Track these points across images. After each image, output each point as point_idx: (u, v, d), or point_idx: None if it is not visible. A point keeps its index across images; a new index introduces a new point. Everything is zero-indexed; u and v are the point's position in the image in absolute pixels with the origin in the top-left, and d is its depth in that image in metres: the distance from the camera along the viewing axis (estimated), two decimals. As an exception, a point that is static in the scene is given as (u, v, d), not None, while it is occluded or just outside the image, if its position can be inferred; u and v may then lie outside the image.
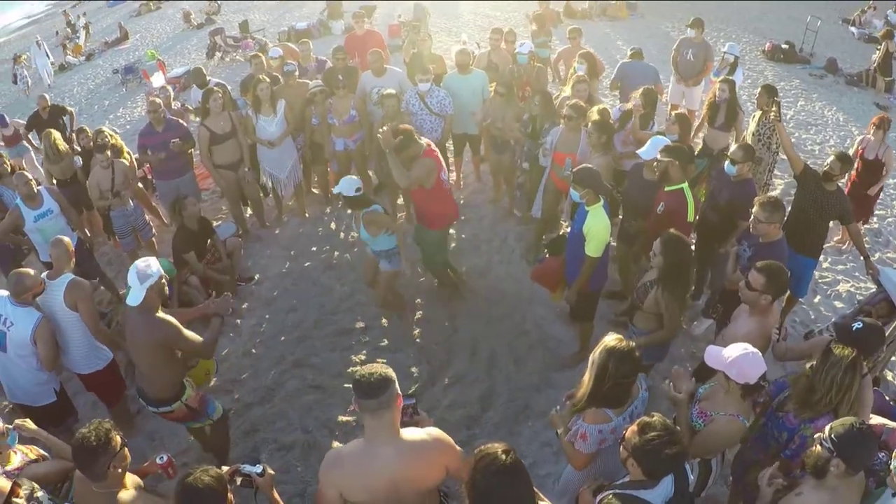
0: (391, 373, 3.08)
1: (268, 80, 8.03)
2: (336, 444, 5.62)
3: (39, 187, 6.93)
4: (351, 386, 3.09)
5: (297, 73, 8.56)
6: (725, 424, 3.65)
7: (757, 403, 4.02)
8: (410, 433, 3.20)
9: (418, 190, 6.25)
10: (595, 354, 3.51)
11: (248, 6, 24.27)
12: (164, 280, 4.57)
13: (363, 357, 6.54)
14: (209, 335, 4.83)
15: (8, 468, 3.77)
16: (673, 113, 8.18)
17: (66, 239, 5.64)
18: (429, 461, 3.18)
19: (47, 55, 19.62)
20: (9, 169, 7.63)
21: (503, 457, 2.81)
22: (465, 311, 6.90)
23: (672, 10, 19.06)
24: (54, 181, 8.09)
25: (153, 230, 8.46)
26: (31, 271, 5.16)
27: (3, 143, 10.15)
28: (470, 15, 20.35)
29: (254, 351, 6.88)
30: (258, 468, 3.35)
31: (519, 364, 6.33)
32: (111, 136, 8.18)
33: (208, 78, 9.96)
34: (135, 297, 4.44)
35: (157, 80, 15.60)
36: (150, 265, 4.51)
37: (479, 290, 7.17)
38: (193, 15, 23.71)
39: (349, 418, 5.90)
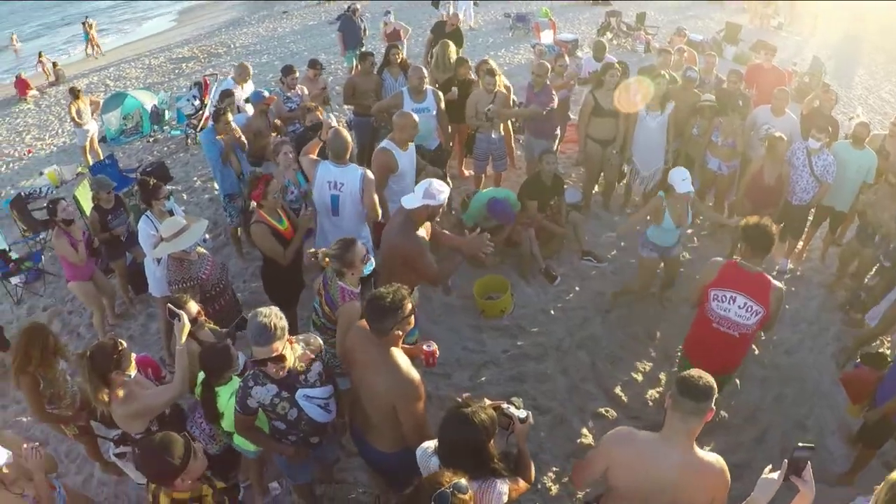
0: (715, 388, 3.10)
1: (667, 77, 8.13)
2: (585, 430, 5.80)
3: (427, 87, 7.67)
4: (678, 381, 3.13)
5: (696, 81, 8.54)
6: None
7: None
8: (702, 452, 3.20)
9: None
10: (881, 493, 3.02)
11: (645, 4, 24.37)
12: (441, 209, 4.94)
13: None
14: (446, 265, 5.11)
15: None
16: None
17: None
18: (705, 485, 3.16)
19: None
20: (398, 59, 8.60)
21: None
22: (759, 377, 6.64)
23: None
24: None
25: (506, 165, 9.07)
26: None
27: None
28: (862, 90, 18.86)
29: (552, 312, 7.19)
30: (523, 413, 3.35)
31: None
32: (499, 74, 8.80)
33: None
34: (412, 200, 4.84)
35: (546, 37, 16.24)
36: (442, 192, 4.85)
37: (781, 364, 6.84)
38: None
39: (607, 411, 6.04)
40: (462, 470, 2.89)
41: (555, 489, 5.32)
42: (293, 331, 6.52)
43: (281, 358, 3.53)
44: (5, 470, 3.77)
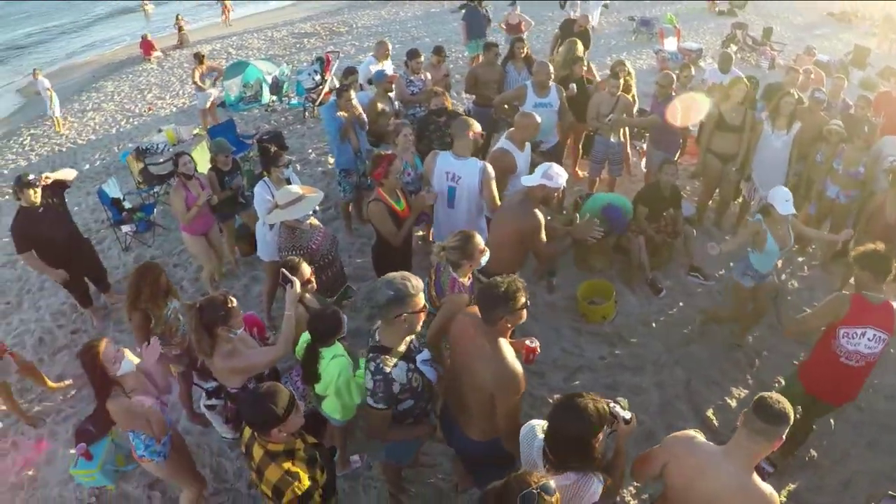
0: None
1: (797, 96, 7.82)
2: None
3: (552, 83, 7.72)
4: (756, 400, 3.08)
5: (824, 103, 8.19)
6: None
7: None
8: (759, 479, 3.09)
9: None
10: None
11: (774, 15, 23.58)
12: (556, 196, 5.18)
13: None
14: (556, 245, 5.25)
15: None
16: None
17: None
18: None
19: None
20: (523, 53, 8.82)
21: None
22: (854, 420, 6.30)
23: None
24: None
25: (621, 170, 9.02)
26: None
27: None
28: None
29: (653, 325, 7.07)
30: (628, 415, 3.33)
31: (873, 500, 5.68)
32: (629, 74, 8.66)
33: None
34: (531, 179, 4.99)
35: (670, 44, 15.96)
36: (561, 176, 5.06)
37: (879, 409, 6.48)
38: (719, 3, 23.63)
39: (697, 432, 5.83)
40: (565, 459, 3.08)
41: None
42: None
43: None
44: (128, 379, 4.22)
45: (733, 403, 6.23)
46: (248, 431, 3.56)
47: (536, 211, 5.06)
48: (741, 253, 6.37)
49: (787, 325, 5.40)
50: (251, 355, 4.33)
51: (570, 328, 6.99)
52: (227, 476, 5.67)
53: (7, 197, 13.49)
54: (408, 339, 3.80)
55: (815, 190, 7.87)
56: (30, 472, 6.16)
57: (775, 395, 3.08)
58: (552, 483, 2.71)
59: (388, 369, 3.61)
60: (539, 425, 3.38)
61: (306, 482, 3.37)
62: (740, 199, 8.87)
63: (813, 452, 5.76)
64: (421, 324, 3.75)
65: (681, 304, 7.39)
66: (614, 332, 6.94)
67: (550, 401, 5.91)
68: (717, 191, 8.77)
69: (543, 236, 5.05)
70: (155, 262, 5.45)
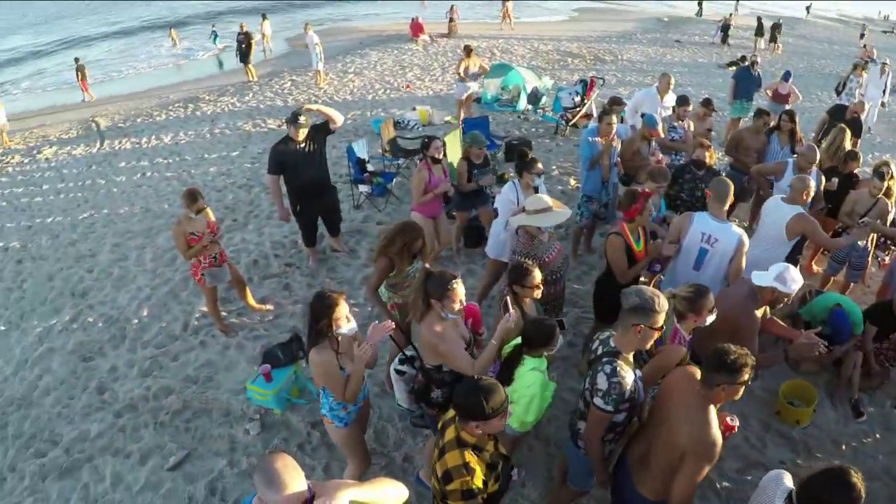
0: None
1: None
2: None
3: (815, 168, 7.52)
4: None
5: None
6: None
7: None
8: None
9: None
10: None
11: None
12: (786, 300, 4.89)
13: None
14: (767, 358, 5.02)
15: None
16: None
17: None
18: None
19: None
20: (790, 128, 8.96)
21: None
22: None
23: None
24: None
25: (860, 277, 8.65)
26: None
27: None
28: None
29: (843, 447, 6.63)
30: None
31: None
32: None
33: None
34: (763, 278, 4.83)
35: None
36: (795, 282, 4.80)
37: None
38: None
39: None
40: None
41: None
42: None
43: None
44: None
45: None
46: (451, 412, 3.64)
47: (757, 314, 4.88)
48: None
49: None
50: (455, 350, 4.40)
51: (759, 421, 6.69)
52: (386, 442, 5.90)
53: (258, 128, 14.88)
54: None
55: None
56: (207, 372, 6.76)
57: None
58: None
59: (624, 373, 3.72)
60: (787, 480, 3.43)
61: (478, 482, 3.39)
62: None
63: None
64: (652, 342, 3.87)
65: (878, 435, 6.87)
66: (802, 440, 6.57)
67: (718, 486, 5.80)
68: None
69: (755, 342, 4.79)
70: (417, 224, 5.68)
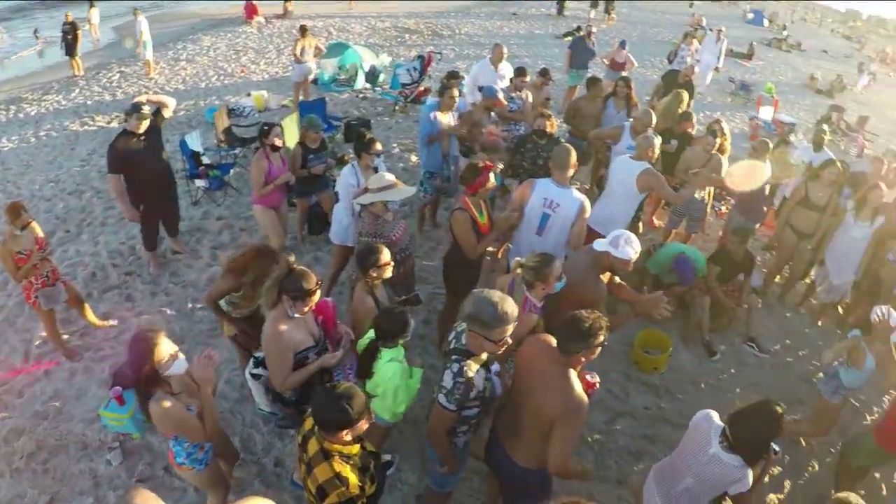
0: None
1: (885, 190, 7.64)
2: None
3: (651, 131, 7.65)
4: None
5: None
6: None
7: None
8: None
9: None
10: None
11: (872, 104, 23.19)
12: (622, 266, 4.89)
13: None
14: (615, 319, 4.91)
15: None
16: None
17: None
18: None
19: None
20: (627, 94, 9.22)
21: None
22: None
23: None
24: None
25: (699, 227, 9.03)
26: None
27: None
28: None
29: (702, 385, 7.01)
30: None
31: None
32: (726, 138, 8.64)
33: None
34: (600, 243, 4.87)
35: (766, 113, 15.90)
36: (631, 247, 4.84)
37: None
38: (820, 82, 23.50)
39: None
40: (742, 445, 3.68)
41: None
42: (454, 320, 6.71)
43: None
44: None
45: (775, 471, 6.11)
46: (308, 423, 3.47)
47: (601, 282, 4.97)
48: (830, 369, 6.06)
49: None
50: (279, 357, 4.25)
51: (620, 373, 6.96)
52: (255, 449, 5.70)
53: (86, 127, 13.93)
54: None
55: (884, 289, 7.73)
56: (56, 404, 6.22)
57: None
58: None
59: (470, 374, 3.58)
60: (714, 414, 3.97)
61: (354, 489, 3.27)
62: (808, 280, 8.80)
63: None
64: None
65: (732, 370, 7.31)
66: (662, 384, 6.89)
67: (589, 440, 5.99)
68: (789, 266, 8.71)
69: (602, 310, 4.60)
70: (273, 250, 5.20)
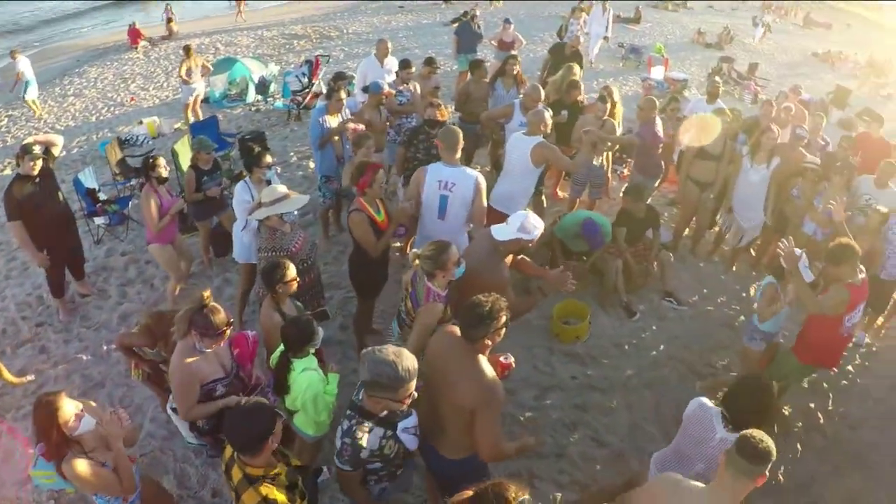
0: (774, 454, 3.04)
1: (777, 132, 7.89)
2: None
3: (541, 105, 7.66)
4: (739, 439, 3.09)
5: (805, 140, 8.30)
6: None
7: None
8: None
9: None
10: None
11: (760, 52, 24.00)
12: (530, 245, 4.96)
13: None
14: (523, 303, 5.10)
15: None
16: None
17: None
18: None
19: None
20: (515, 71, 9.31)
21: None
22: (819, 447, 6.30)
23: None
24: None
25: (601, 193, 9.18)
26: None
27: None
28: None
29: (626, 347, 7.12)
30: None
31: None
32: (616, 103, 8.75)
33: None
34: (504, 232, 4.81)
35: (657, 73, 16.24)
36: (537, 228, 4.86)
37: (842, 437, 6.46)
38: (708, 36, 24.12)
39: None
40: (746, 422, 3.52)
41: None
42: (369, 322, 6.61)
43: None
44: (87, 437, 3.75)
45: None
46: (228, 451, 3.42)
47: (503, 266, 4.95)
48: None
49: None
50: (183, 390, 4.20)
51: (543, 347, 6.99)
52: (190, 483, 5.56)
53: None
54: None
55: (791, 226, 7.96)
56: None
57: (758, 434, 3.06)
58: (528, 497, 2.68)
59: (359, 435, 3.43)
60: (706, 399, 4.03)
61: None
62: (716, 229, 8.99)
63: (780, 477, 5.82)
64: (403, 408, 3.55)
65: (654, 327, 7.44)
66: (586, 352, 6.95)
67: (521, 419, 5.99)
68: (695, 218, 8.88)
69: (509, 295, 4.70)
70: (167, 315, 5.02)
